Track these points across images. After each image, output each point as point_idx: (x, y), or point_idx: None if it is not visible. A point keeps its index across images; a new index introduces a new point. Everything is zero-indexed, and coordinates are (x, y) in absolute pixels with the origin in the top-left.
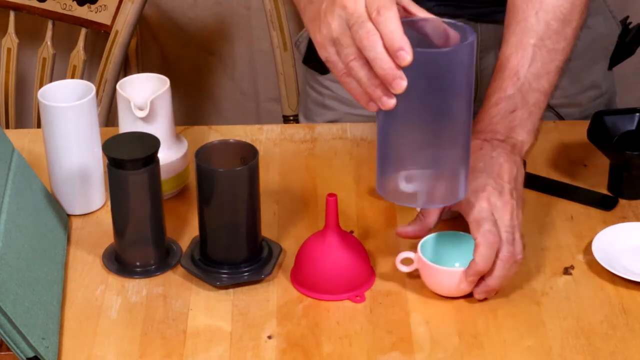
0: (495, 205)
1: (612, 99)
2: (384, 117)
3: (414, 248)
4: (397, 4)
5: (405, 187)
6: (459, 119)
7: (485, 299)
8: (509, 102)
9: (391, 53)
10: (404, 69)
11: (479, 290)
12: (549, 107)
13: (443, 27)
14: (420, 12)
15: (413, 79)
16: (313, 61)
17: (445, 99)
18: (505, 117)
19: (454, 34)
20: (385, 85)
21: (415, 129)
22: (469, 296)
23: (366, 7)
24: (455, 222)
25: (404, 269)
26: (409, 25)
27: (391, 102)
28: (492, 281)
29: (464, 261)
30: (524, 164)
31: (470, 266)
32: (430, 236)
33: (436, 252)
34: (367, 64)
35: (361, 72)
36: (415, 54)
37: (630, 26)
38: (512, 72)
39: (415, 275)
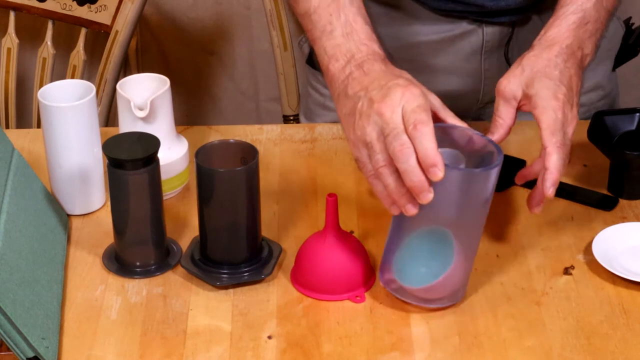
0: (566, 117)
1: (615, 99)
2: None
3: None
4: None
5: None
6: (473, 233)
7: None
8: (585, 13)
9: (424, 168)
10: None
11: (550, 183)
12: None
13: (469, 134)
14: (449, 118)
15: (439, 191)
16: (316, 60)
17: (466, 212)
18: (580, 27)
19: (478, 140)
20: (411, 194)
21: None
22: (466, 296)
23: (403, 118)
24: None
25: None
26: (437, 129)
27: (414, 211)
28: (558, 168)
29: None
30: (524, 163)
31: (547, 177)
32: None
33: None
34: (397, 172)
35: (389, 179)
36: (446, 170)
37: (634, 27)
38: None
39: None
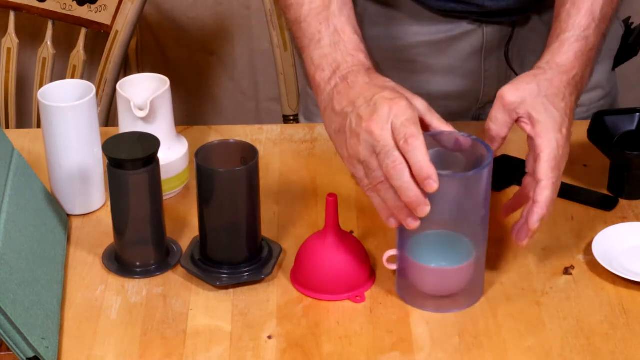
0: (563, 149)
1: (615, 99)
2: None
3: None
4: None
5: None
6: (479, 231)
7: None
8: (588, 41)
9: (419, 181)
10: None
11: (537, 217)
12: None
13: (456, 137)
14: (435, 121)
15: (436, 198)
16: None
17: (467, 213)
18: (583, 56)
19: (466, 142)
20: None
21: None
22: (467, 295)
23: (393, 132)
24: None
25: (391, 266)
26: (425, 137)
27: (416, 224)
28: (547, 203)
29: (450, 261)
30: (524, 163)
31: (535, 211)
32: (417, 235)
33: (423, 251)
34: (393, 187)
35: (387, 195)
36: (440, 179)
37: (633, 27)
38: (588, 11)
39: None
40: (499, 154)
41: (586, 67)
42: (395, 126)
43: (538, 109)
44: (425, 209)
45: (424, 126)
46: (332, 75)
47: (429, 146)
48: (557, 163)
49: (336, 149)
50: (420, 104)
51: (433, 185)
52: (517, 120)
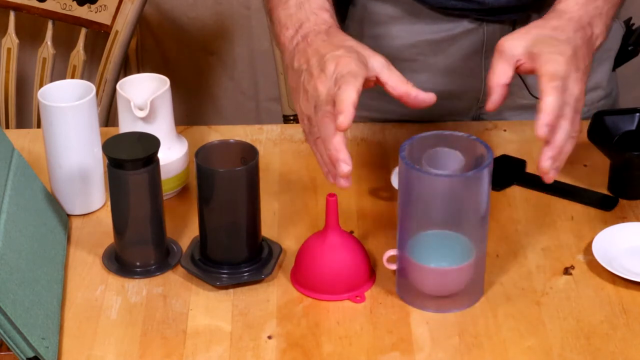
0: (569, 74)
1: (616, 100)
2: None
3: None
4: (373, 75)
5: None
6: (479, 233)
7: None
8: None
9: (335, 114)
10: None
11: (546, 156)
12: None
13: (459, 136)
14: (393, 77)
15: (437, 197)
16: None
17: (467, 213)
18: (589, 3)
19: (468, 142)
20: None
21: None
22: (467, 295)
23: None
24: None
25: (391, 266)
26: (431, 137)
27: (344, 184)
28: (558, 139)
29: (450, 261)
30: (524, 163)
31: (540, 117)
32: (417, 235)
33: (422, 251)
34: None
35: (321, 149)
36: (439, 178)
37: (634, 27)
38: None
39: None
40: (498, 153)
41: (594, 15)
42: (336, 80)
43: (534, 44)
44: (343, 167)
45: (382, 85)
46: (295, 34)
47: (430, 146)
48: (560, 75)
49: (293, 104)
50: (378, 61)
51: (343, 121)
52: (517, 68)
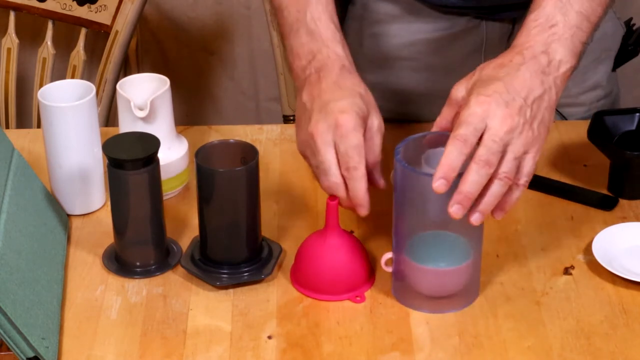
0: (493, 114)
1: (616, 100)
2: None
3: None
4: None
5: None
6: (476, 234)
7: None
8: (549, 18)
9: (353, 204)
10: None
11: (453, 202)
12: None
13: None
14: (374, 150)
15: (430, 197)
16: None
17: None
18: (543, 31)
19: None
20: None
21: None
22: (463, 296)
23: (336, 152)
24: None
25: (390, 269)
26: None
27: (361, 211)
28: (462, 187)
29: (449, 261)
30: None
31: (435, 173)
32: (415, 236)
33: (421, 252)
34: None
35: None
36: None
37: (634, 28)
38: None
39: None
40: None
41: (549, 42)
42: (339, 150)
43: (473, 87)
44: (362, 212)
45: (367, 144)
46: (308, 65)
47: (426, 147)
48: (469, 121)
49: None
50: (375, 122)
51: (363, 211)
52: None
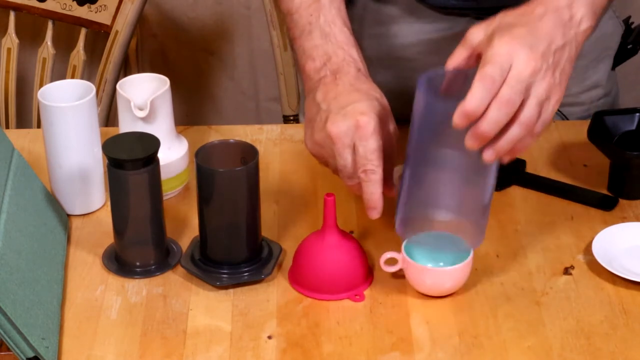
0: (517, 55)
1: (616, 99)
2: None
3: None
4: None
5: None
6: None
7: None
8: None
9: (366, 207)
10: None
11: (470, 135)
12: None
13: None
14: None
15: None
16: None
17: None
18: None
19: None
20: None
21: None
22: (465, 296)
23: (356, 154)
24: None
25: (389, 269)
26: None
27: (372, 214)
28: (482, 124)
29: (449, 261)
30: (524, 163)
31: (458, 107)
32: (414, 236)
33: (420, 252)
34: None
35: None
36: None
37: (633, 26)
38: None
39: None
40: None
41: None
42: (358, 152)
43: (495, 32)
44: (373, 214)
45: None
46: (323, 66)
47: (449, 86)
48: (500, 61)
49: (304, 134)
50: (392, 126)
51: (375, 214)
52: (479, 57)
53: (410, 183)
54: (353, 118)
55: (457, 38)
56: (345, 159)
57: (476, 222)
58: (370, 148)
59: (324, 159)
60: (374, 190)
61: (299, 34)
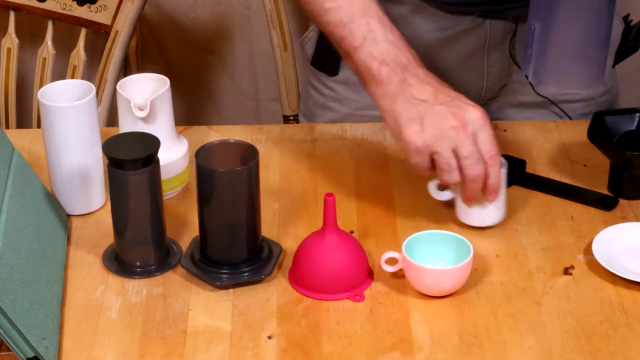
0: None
1: (616, 96)
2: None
3: (399, 248)
4: None
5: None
6: None
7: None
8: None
9: (488, 192)
10: None
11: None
12: (553, 103)
13: None
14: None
15: None
16: (322, 62)
17: None
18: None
19: None
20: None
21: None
22: (465, 296)
23: (476, 141)
24: (442, 223)
25: (389, 268)
26: None
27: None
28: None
29: (449, 261)
30: (524, 163)
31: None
32: (415, 236)
33: (420, 251)
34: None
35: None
36: None
37: (632, 24)
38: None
39: None
40: None
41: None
42: (482, 140)
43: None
44: (496, 197)
45: None
46: (401, 70)
47: None
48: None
49: (398, 136)
50: None
51: (496, 196)
52: None
53: (541, 33)
54: (468, 109)
55: (460, 36)
56: (471, 146)
57: (597, 64)
58: (491, 134)
59: (431, 155)
60: (498, 173)
61: (360, 42)
